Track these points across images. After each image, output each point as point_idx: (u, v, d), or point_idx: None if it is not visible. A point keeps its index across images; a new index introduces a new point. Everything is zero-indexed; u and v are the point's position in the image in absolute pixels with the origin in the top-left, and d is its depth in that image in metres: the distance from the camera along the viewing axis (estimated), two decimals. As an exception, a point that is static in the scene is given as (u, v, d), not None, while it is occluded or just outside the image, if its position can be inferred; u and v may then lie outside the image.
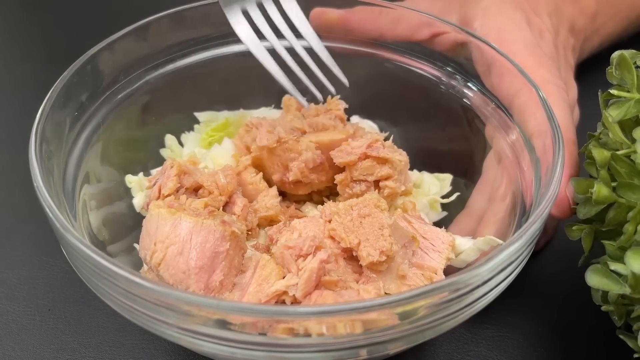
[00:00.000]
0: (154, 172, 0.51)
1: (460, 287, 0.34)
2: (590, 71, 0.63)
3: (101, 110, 0.48)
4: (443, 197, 0.51)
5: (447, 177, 0.52)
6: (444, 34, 0.52)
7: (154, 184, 0.47)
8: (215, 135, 0.53)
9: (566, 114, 0.48)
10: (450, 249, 0.44)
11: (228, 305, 0.33)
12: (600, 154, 0.40)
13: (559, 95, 0.49)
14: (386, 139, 0.53)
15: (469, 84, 0.51)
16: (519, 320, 0.48)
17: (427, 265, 0.43)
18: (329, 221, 0.43)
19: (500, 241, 0.44)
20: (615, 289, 0.38)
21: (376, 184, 0.47)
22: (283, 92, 0.51)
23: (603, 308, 0.41)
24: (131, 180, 0.50)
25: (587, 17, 0.63)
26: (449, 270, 0.45)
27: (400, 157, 0.48)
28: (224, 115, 0.54)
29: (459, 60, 0.51)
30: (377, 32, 0.53)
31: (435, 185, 0.52)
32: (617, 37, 0.68)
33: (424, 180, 0.52)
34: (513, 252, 0.36)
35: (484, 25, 0.53)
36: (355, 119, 0.55)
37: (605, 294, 0.40)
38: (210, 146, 0.53)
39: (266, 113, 0.54)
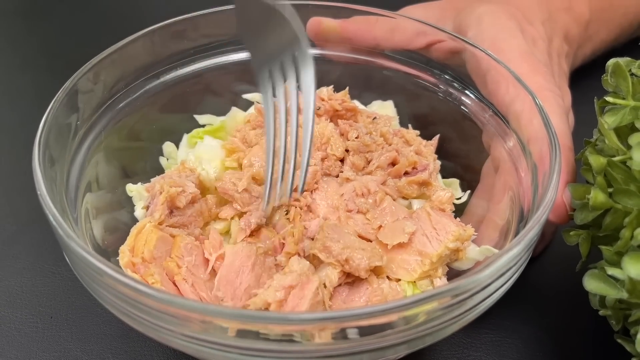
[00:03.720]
0: (154, 180, 0.51)
1: (460, 293, 0.35)
2: (585, 78, 0.63)
3: (103, 119, 0.49)
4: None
5: (454, 182, 0.52)
6: (439, 42, 0.52)
7: (148, 208, 0.47)
8: (201, 136, 0.53)
9: (562, 120, 0.48)
10: (453, 239, 0.44)
11: (229, 312, 0.34)
12: (596, 161, 0.40)
13: (555, 101, 0.49)
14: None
15: (466, 92, 0.51)
16: (518, 325, 0.49)
17: (425, 252, 0.44)
18: None
19: (496, 250, 0.44)
20: (613, 293, 0.38)
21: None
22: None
23: (601, 312, 0.41)
24: (132, 189, 0.50)
25: (580, 25, 0.63)
26: (449, 276, 0.45)
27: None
28: (221, 119, 0.55)
29: (457, 68, 0.51)
30: (373, 41, 0.54)
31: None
32: (610, 45, 0.68)
33: None
34: (512, 257, 0.37)
35: (478, 34, 0.54)
36: (376, 103, 0.56)
37: (602, 298, 0.41)
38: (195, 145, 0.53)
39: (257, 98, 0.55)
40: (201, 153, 0.51)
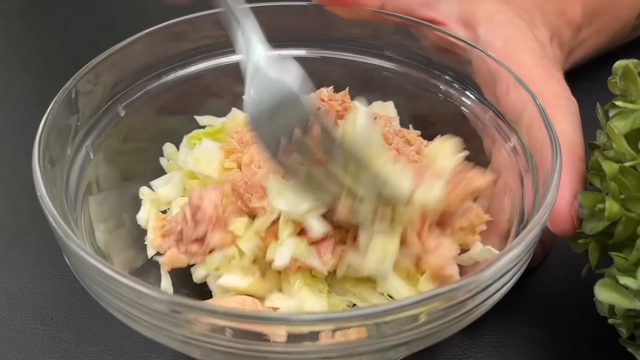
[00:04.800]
0: (155, 183, 0.51)
1: (461, 294, 0.35)
2: (583, 79, 0.62)
3: (103, 120, 0.49)
4: None
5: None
6: (441, 24, 0.52)
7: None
8: (199, 138, 0.53)
9: (576, 130, 0.47)
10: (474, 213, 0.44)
11: (228, 313, 0.34)
12: (609, 167, 0.39)
13: (569, 109, 0.48)
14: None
15: (466, 92, 0.51)
16: (519, 326, 0.48)
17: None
18: None
19: (496, 252, 0.44)
20: (626, 303, 0.37)
21: None
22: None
23: (610, 321, 0.41)
24: (144, 192, 0.50)
25: (572, 29, 0.61)
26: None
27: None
28: (221, 120, 0.55)
29: (457, 69, 0.51)
30: (380, 1, 0.53)
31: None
32: (602, 49, 0.66)
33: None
34: (512, 258, 0.37)
35: (489, 32, 0.53)
36: (377, 104, 0.55)
37: (612, 306, 0.40)
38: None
39: None
40: (200, 155, 0.51)
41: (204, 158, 0.51)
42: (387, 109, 0.55)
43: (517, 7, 0.56)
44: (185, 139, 0.53)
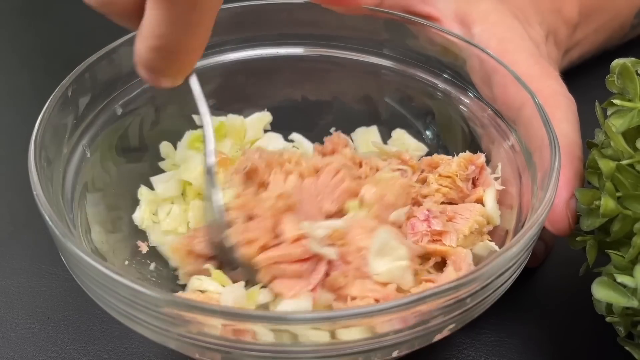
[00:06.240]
0: (155, 179, 0.51)
1: (458, 292, 0.35)
2: (582, 76, 0.62)
3: (100, 119, 0.49)
4: None
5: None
6: (437, 20, 0.52)
7: None
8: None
9: (574, 129, 0.47)
10: (478, 214, 0.45)
11: (226, 311, 0.34)
12: (606, 165, 0.39)
13: (568, 108, 0.47)
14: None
15: (465, 91, 0.51)
16: (518, 325, 0.48)
17: (454, 229, 0.45)
18: None
19: (497, 247, 0.44)
20: (623, 302, 0.37)
21: None
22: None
23: (607, 319, 0.41)
24: (142, 192, 0.50)
25: (568, 28, 0.61)
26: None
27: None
28: (220, 119, 0.54)
29: (455, 68, 0.51)
30: None
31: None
32: (599, 48, 0.66)
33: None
34: (511, 256, 0.36)
35: (484, 32, 0.52)
36: (360, 130, 0.55)
37: (610, 305, 0.40)
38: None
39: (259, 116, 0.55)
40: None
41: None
42: (371, 133, 0.55)
43: (513, 5, 0.56)
44: (186, 136, 0.53)
